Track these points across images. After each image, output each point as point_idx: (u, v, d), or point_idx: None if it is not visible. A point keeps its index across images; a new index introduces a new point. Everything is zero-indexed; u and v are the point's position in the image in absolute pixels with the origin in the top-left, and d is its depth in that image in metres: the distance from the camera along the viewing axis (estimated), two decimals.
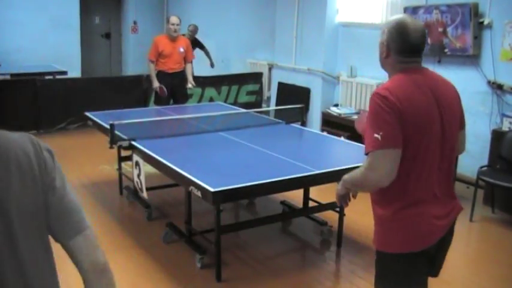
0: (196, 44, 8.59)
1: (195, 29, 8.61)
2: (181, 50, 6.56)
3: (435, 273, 2.29)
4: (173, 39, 6.47)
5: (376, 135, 1.87)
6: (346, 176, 2.12)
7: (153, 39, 6.58)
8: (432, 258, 2.15)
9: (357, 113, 6.14)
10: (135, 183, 4.26)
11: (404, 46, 2.02)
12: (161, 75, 6.53)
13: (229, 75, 8.57)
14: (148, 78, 6.95)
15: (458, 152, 2.28)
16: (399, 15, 2.14)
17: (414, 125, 1.92)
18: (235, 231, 4.23)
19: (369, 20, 6.88)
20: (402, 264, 2.06)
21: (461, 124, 2.17)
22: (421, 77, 2.03)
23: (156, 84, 6.49)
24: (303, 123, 5.13)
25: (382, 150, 1.87)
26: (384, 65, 2.13)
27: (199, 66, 10.37)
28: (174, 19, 6.45)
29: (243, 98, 8.40)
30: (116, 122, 4.27)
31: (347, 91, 7.12)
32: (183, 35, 7.40)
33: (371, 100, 1.96)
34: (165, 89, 6.48)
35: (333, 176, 3.61)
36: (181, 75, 6.69)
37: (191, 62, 6.97)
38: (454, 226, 2.20)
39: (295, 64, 7.88)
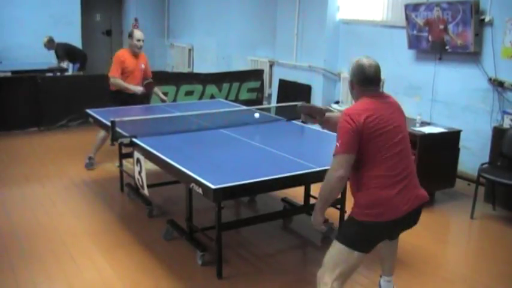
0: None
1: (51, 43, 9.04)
2: (142, 66, 6.06)
3: (393, 237, 3.02)
4: (136, 55, 5.96)
5: (337, 143, 2.56)
6: (317, 205, 2.71)
7: (116, 55, 6.00)
8: (394, 228, 2.76)
9: None
10: (136, 180, 4.26)
11: (362, 79, 2.71)
12: (120, 94, 5.89)
13: (230, 72, 8.56)
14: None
15: None
16: (358, 58, 2.77)
17: (376, 131, 2.56)
18: (236, 229, 4.24)
19: (370, 17, 6.88)
20: (369, 229, 2.62)
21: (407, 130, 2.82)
22: (379, 98, 2.71)
23: (138, 88, 5.93)
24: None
25: (340, 155, 2.55)
26: (352, 96, 2.85)
27: (200, 64, 10.39)
28: (139, 34, 5.92)
29: (244, 95, 8.39)
30: (116, 119, 4.27)
31: (348, 88, 7.12)
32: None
33: (341, 117, 2.62)
34: (149, 82, 6.02)
35: None
36: (140, 95, 6.09)
37: (151, 80, 6.21)
38: (420, 211, 2.78)
39: (296, 61, 7.88)
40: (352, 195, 2.72)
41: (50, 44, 9.00)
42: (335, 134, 2.64)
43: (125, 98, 5.87)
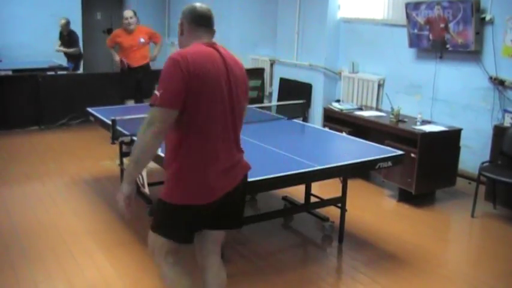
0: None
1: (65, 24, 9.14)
2: (142, 40, 6.68)
3: (232, 226, 2.65)
4: (130, 32, 6.62)
5: (157, 92, 2.16)
6: (127, 169, 2.35)
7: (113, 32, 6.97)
8: (218, 212, 2.40)
9: (360, 109, 6.11)
10: (137, 179, 4.26)
11: (193, 16, 2.39)
12: (125, 70, 6.73)
13: None
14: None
15: None
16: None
17: (203, 90, 2.19)
18: None
19: (370, 15, 6.87)
20: (182, 214, 2.31)
21: (247, 98, 2.53)
22: (214, 51, 2.33)
23: (116, 57, 6.78)
24: (305, 119, 5.13)
25: (159, 108, 2.14)
26: (180, 43, 2.46)
27: None
28: (126, 13, 6.66)
29: None
30: (117, 118, 4.28)
31: (349, 87, 7.11)
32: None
33: (165, 62, 2.22)
34: (124, 61, 6.68)
35: (334, 172, 3.62)
36: (146, 70, 6.82)
37: (159, 43, 7.15)
38: (245, 185, 2.51)
39: (297, 60, 7.87)
40: (165, 167, 2.36)
41: (67, 26, 9.10)
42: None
43: (128, 72, 6.79)
